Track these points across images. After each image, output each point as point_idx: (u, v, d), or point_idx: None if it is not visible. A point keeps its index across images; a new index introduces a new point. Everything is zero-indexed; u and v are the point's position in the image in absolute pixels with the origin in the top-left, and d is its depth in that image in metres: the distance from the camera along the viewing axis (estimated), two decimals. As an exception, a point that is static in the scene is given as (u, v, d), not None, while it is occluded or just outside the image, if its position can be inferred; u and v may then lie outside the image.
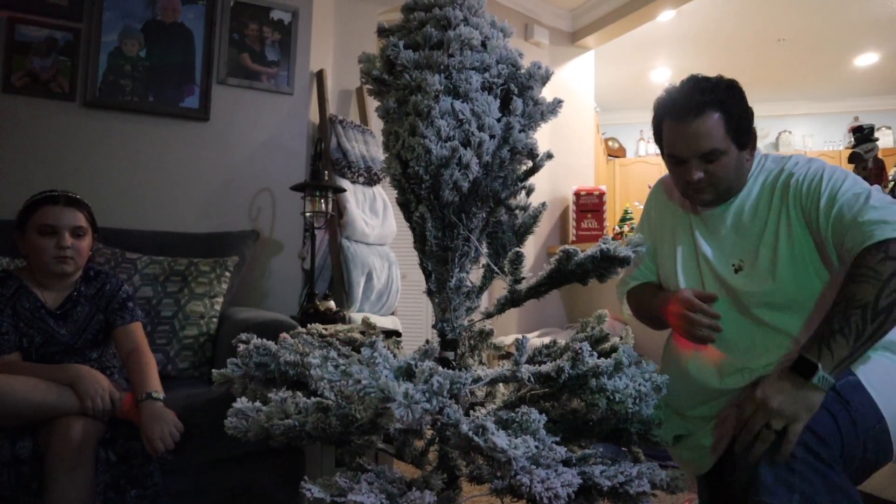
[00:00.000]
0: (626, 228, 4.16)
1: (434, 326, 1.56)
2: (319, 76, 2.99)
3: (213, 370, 1.52)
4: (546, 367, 1.35)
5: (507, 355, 2.25)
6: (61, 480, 1.45)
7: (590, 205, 4.20)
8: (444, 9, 1.62)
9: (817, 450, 1.13)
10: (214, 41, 2.81)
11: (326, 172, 2.66)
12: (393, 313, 2.91)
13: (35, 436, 1.52)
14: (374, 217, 2.84)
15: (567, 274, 1.50)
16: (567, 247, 1.46)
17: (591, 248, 1.48)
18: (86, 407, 1.53)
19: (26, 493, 1.49)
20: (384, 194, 2.97)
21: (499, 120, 1.58)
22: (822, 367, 1.15)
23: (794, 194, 1.36)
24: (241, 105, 2.83)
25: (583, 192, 4.24)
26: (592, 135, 4.88)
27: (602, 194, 4.22)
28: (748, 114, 1.40)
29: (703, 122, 1.36)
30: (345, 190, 2.66)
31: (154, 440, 1.51)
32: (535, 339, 3.07)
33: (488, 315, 1.60)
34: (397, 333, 2.17)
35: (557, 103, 1.70)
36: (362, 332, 1.67)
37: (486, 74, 1.61)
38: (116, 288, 1.81)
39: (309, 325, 1.80)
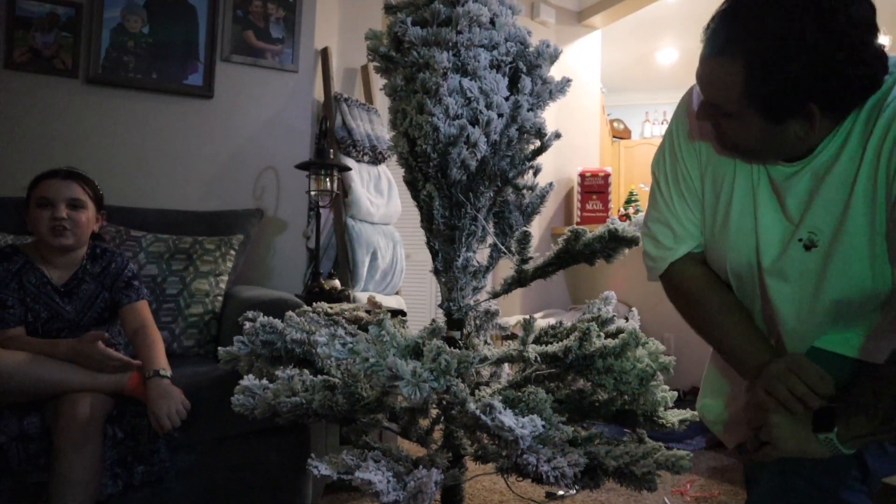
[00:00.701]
0: (630, 210, 4.14)
1: (440, 306, 1.56)
2: (324, 54, 2.96)
3: (220, 348, 1.52)
4: (553, 348, 1.35)
5: (512, 336, 2.25)
6: (69, 456, 1.45)
7: (595, 186, 4.18)
8: (453, -16, 1.60)
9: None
10: (218, 17, 2.78)
11: (332, 151, 2.65)
12: (397, 293, 2.91)
13: (43, 412, 1.53)
14: (379, 196, 2.83)
15: (575, 254, 1.50)
16: (575, 227, 1.46)
17: (599, 229, 1.47)
18: (99, 371, 1.54)
19: (35, 468, 1.50)
20: (389, 173, 2.96)
21: (507, 98, 1.56)
22: (837, 431, 0.98)
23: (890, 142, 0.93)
24: (245, 82, 2.81)
25: (588, 174, 4.22)
26: (598, 116, 4.84)
27: (607, 175, 4.19)
28: (813, 79, 0.89)
29: (713, 66, 0.97)
30: (350, 168, 2.64)
31: (161, 417, 1.51)
32: (541, 320, 3.07)
33: (494, 295, 1.60)
34: (402, 313, 2.16)
35: (566, 82, 1.68)
36: (368, 311, 1.67)
37: (495, 52, 1.59)
38: (122, 266, 1.80)
39: (314, 304, 1.80)
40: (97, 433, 1.51)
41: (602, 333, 1.35)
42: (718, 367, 1.28)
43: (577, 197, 4.27)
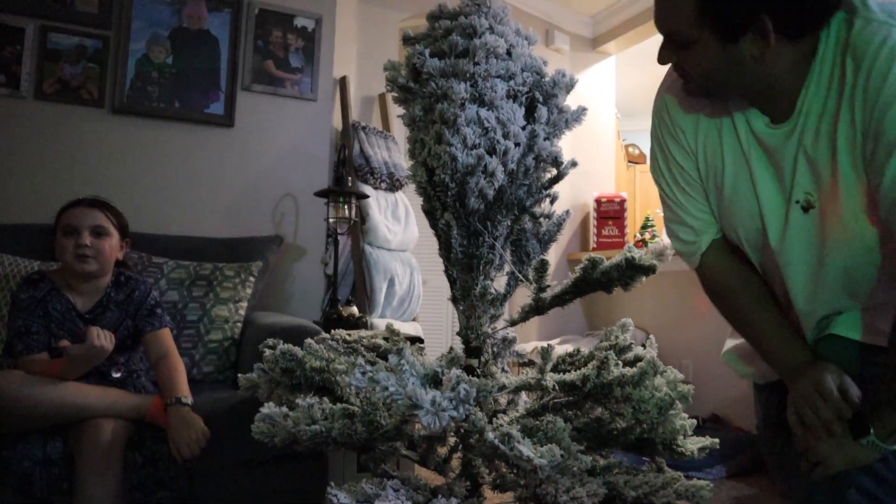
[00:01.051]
0: (647, 236, 4.13)
1: (458, 333, 1.57)
2: (342, 82, 3.01)
3: (240, 375, 1.53)
4: (571, 376, 1.36)
5: (529, 363, 2.25)
6: (91, 481, 1.47)
7: (611, 212, 4.18)
8: (470, 17, 1.63)
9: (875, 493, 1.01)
10: (239, 48, 2.85)
11: (350, 178, 2.68)
12: (414, 319, 2.92)
13: (66, 437, 1.55)
14: (397, 223, 2.85)
15: (592, 282, 1.50)
16: (592, 255, 1.47)
17: (616, 257, 1.48)
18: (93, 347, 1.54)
19: (58, 492, 1.52)
20: (406, 200, 2.99)
21: (524, 128, 1.59)
22: (874, 432, 0.99)
23: (862, 91, 0.92)
24: (265, 111, 2.86)
25: (604, 199, 4.23)
26: (613, 141, 4.87)
27: (623, 201, 4.20)
28: None
29: None
30: (368, 196, 2.67)
31: (181, 445, 1.52)
32: (558, 347, 3.07)
33: (512, 323, 1.60)
34: (420, 340, 2.17)
35: (582, 111, 1.70)
36: (386, 339, 1.68)
37: (512, 82, 1.62)
38: (145, 294, 1.83)
39: (333, 331, 1.81)
40: (119, 459, 1.53)
41: (620, 361, 1.35)
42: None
43: (592, 223, 4.28)
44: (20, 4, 2.54)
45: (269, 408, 1.27)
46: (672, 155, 1.20)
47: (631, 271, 1.47)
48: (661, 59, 1.07)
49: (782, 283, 1.14)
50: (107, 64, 2.65)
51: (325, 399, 1.31)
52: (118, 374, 1.71)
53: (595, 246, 4.21)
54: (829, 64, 0.96)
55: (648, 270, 1.47)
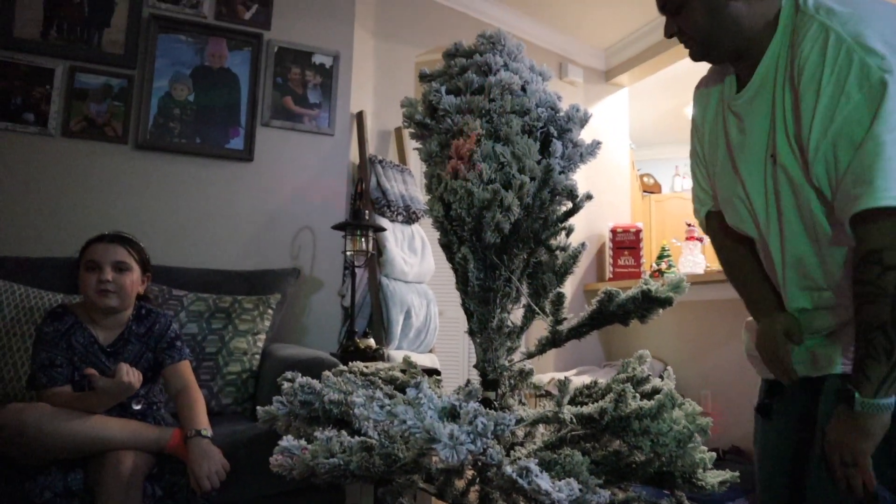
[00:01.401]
0: (663, 265, 4.12)
1: (475, 366, 1.57)
2: (359, 117, 3.07)
3: (258, 407, 1.55)
4: (588, 409, 1.35)
5: (546, 394, 2.25)
6: (110, 514, 1.48)
7: (626, 242, 4.19)
8: (485, 55, 1.67)
9: None
10: (259, 85, 2.92)
11: (367, 211, 2.72)
12: (431, 351, 2.92)
13: (87, 469, 1.57)
14: (413, 255, 2.88)
15: (608, 315, 1.51)
16: (609, 288, 1.47)
17: (632, 289, 1.48)
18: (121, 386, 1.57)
19: (77, 525, 1.53)
20: (423, 233, 3.02)
21: (539, 162, 1.61)
22: (862, 392, 1.05)
23: (798, 67, 1.05)
24: (283, 146, 2.92)
25: (619, 230, 4.23)
26: (628, 171, 4.89)
27: (639, 231, 4.20)
28: None
29: None
30: (384, 229, 2.71)
31: (201, 478, 1.53)
32: (575, 379, 3.05)
33: (529, 355, 1.61)
34: (437, 372, 2.18)
35: (596, 145, 1.72)
36: (403, 371, 1.69)
37: (527, 118, 1.64)
38: (165, 327, 1.86)
39: (350, 364, 1.82)
40: (138, 491, 1.54)
41: (637, 394, 1.35)
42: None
43: (608, 253, 4.28)
44: (51, 47, 2.63)
45: (287, 440, 1.28)
46: (693, 129, 1.38)
47: (648, 303, 1.47)
48: (667, 32, 1.20)
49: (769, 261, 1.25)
50: (131, 102, 2.73)
51: (344, 432, 1.32)
52: (138, 407, 1.73)
53: (611, 276, 4.21)
54: (782, 33, 1.10)
55: (665, 303, 1.47)
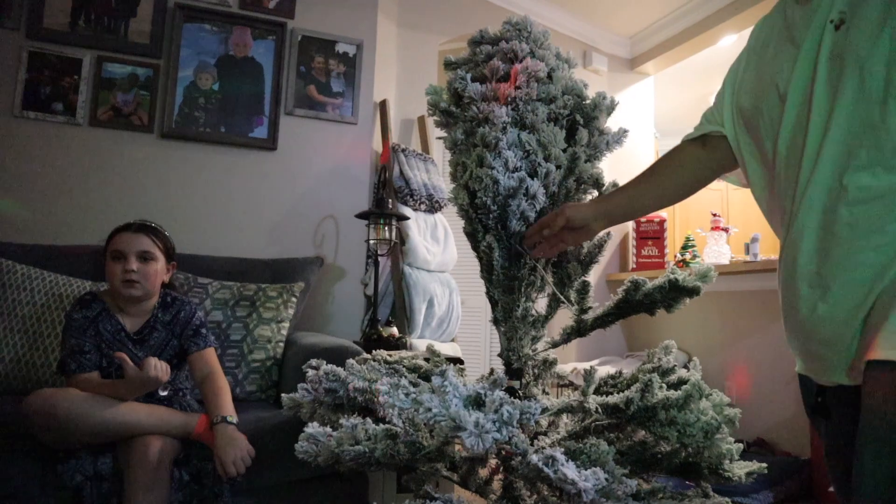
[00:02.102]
0: (688, 256, 4.08)
1: (499, 355, 1.57)
2: (382, 106, 3.06)
3: (283, 395, 1.56)
4: (614, 399, 1.34)
5: (568, 384, 2.23)
6: (139, 497, 1.50)
7: (650, 232, 4.15)
8: (511, 42, 1.66)
9: None
10: (283, 74, 2.92)
11: (390, 200, 2.72)
12: (453, 340, 2.92)
13: (115, 453, 1.59)
14: (436, 244, 2.87)
15: (634, 304, 1.49)
16: (635, 277, 1.46)
17: (659, 279, 1.47)
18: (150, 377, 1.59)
19: (107, 508, 1.56)
20: (445, 221, 3.01)
21: (564, 150, 1.59)
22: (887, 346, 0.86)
23: None
24: (307, 134, 2.92)
25: (643, 220, 4.19)
26: (652, 161, 4.84)
27: (663, 221, 4.16)
28: None
29: None
30: (408, 217, 2.70)
31: (227, 464, 1.55)
32: (599, 368, 3.03)
33: (554, 345, 1.60)
34: (460, 361, 2.18)
35: (623, 133, 1.71)
36: (427, 360, 1.69)
37: (552, 105, 1.63)
38: (190, 315, 1.87)
39: (374, 352, 1.83)
40: (166, 475, 1.56)
41: (664, 384, 1.33)
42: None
43: (632, 243, 4.24)
44: (79, 37, 2.66)
45: (312, 427, 1.29)
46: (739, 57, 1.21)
47: (674, 293, 1.46)
48: None
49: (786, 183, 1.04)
50: (157, 91, 2.75)
51: (369, 420, 1.32)
52: (164, 393, 1.75)
53: (634, 266, 4.17)
54: None
55: (692, 292, 1.46)
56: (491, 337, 3.99)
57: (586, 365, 3.36)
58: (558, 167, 1.56)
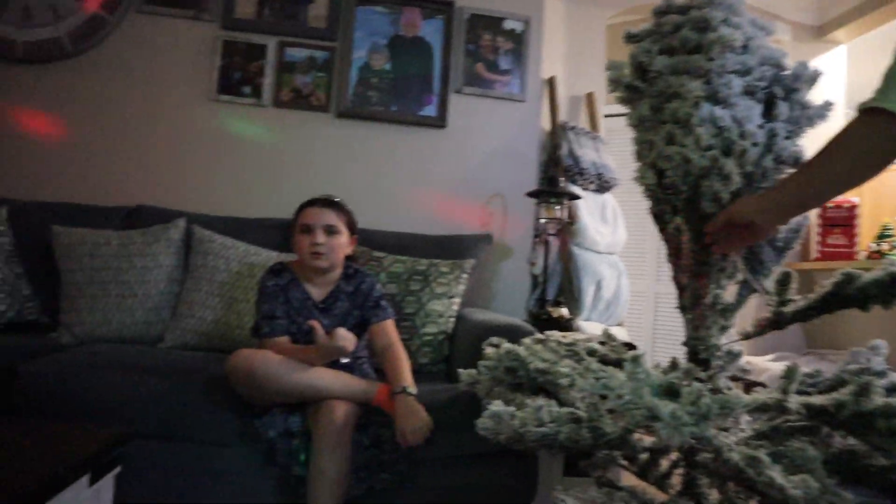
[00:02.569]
0: (884, 246, 3.66)
1: (685, 343, 1.49)
2: (550, 83, 3.01)
3: (460, 370, 1.58)
4: (820, 400, 1.23)
5: (754, 383, 2.09)
6: (325, 455, 1.60)
7: (838, 219, 3.77)
8: (703, 10, 1.55)
9: None
10: (452, 53, 2.95)
11: (561, 179, 2.67)
12: (620, 324, 2.84)
13: (304, 413, 1.70)
14: (605, 225, 2.79)
15: (845, 298, 1.35)
16: (849, 270, 1.32)
17: (876, 271, 1.32)
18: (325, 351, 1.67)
19: (296, 463, 1.68)
20: (614, 202, 2.92)
21: (762, 126, 1.47)
22: None
23: None
24: (475, 112, 2.94)
25: (830, 205, 3.82)
26: (839, 139, 4.38)
27: (854, 207, 3.76)
28: None
29: None
30: (580, 197, 2.65)
31: (407, 433, 1.61)
32: (773, 365, 2.82)
33: (746, 336, 1.50)
34: (633, 346, 2.10)
35: (828, 106, 1.56)
36: (602, 343, 1.64)
37: (748, 77, 1.51)
38: (371, 287, 1.96)
39: (546, 332, 1.81)
40: (349, 438, 1.65)
41: (882, 389, 1.20)
42: None
43: (815, 230, 3.88)
44: (264, 24, 2.84)
45: (497, 405, 1.29)
46: None
47: (895, 288, 1.30)
48: None
49: None
50: (333, 72, 2.88)
51: (553, 402, 1.31)
52: (346, 360, 1.84)
53: (818, 256, 3.82)
54: None
55: (917, 287, 1.29)
56: (654, 323, 3.84)
57: (760, 360, 3.14)
58: (755, 145, 1.44)
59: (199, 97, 2.80)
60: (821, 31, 4.25)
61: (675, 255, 1.46)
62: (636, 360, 1.14)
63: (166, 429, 1.75)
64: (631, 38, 1.69)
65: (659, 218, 1.51)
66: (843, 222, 3.74)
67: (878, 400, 1.14)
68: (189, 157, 2.79)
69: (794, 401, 1.24)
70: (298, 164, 2.81)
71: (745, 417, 1.63)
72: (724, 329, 1.51)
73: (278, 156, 2.81)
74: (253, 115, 2.82)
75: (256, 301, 1.90)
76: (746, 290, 1.55)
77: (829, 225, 3.79)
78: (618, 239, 2.83)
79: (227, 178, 2.79)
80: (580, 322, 2.50)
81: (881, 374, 1.40)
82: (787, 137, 1.50)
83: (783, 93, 1.53)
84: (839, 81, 4.33)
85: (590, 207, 2.75)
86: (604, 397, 1.20)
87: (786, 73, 1.54)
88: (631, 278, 3.25)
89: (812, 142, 1.61)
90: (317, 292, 1.91)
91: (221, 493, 1.73)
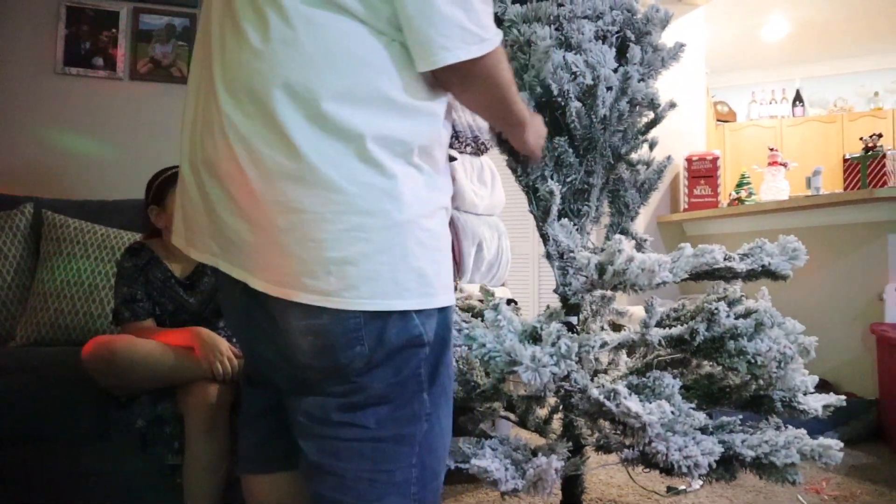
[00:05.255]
0: (743, 194, 3.91)
1: (555, 290, 1.50)
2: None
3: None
4: (677, 330, 1.28)
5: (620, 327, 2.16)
6: (199, 440, 1.51)
7: (703, 171, 3.98)
8: (552, -44, 1.55)
9: None
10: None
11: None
12: (503, 285, 2.87)
13: (175, 398, 1.60)
14: (483, 187, 2.80)
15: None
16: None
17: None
18: (204, 369, 1.58)
19: (170, 451, 1.59)
20: (492, 164, 2.92)
21: (615, 70, 1.50)
22: None
23: None
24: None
25: (695, 158, 4.03)
26: (703, 99, 4.62)
27: (716, 159, 3.99)
28: None
29: None
30: (455, 159, 2.63)
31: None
32: (637, 309, 2.94)
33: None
34: (513, 301, 2.12)
35: (679, 47, 1.61)
36: (480, 300, 1.64)
37: (600, 22, 1.53)
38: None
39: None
40: (225, 420, 1.57)
41: (732, 313, 1.26)
42: None
43: (683, 183, 4.09)
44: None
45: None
46: None
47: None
48: None
49: None
50: (194, 41, 2.71)
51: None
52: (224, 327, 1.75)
53: (687, 206, 4.03)
54: None
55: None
56: (539, 283, 3.93)
57: (638, 308, 3.27)
58: (609, 88, 1.47)
59: (43, 70, 2.56)
60: (681, -6, 4.43)
61: (537, 205, 1.47)
62: (496, 307, 1.13)
63: (25, 432, 1.63)
64: (488, -10, 1.68)
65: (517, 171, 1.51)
66: (707, 174, 3.95)
67: (727, 322, 1.20)
68: (35, 137, 2.55)
69: (655, 334, 1.28)
70: (160, 141, 2.63)
71: (625, 358, 1.69)
72: (591, 273, 1.54)
73: (138, 132, 2.62)
74: (107, 88, 2.61)
75: (115, 285, 1.77)
76: (612, 233, 1.59)
77: (695, 177, 4.00)
78: (496, 201, 2.85)
79: (80, 159, 2.57)
80: (463, 284, 2.50)
81: (736, 302, 1.47)
82: (641, 80, 1.53)
83: (635, 36, 1.56)
84: (698, 43, 4.54)
85: (466, 170, 2.74)
86: (470, 349, 1.19)
87: (637, 16, 1.57)
88: (514, 240, 3.30)
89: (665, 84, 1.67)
90: (180, 269, 1.80)
91: (95, 491, 1.63)
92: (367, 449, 0.83)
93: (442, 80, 0.86)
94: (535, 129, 1.19)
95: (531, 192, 1.48)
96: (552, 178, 1.40)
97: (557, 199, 1.39)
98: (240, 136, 0.81)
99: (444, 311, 0.87)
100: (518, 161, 1.46)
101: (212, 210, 0.85)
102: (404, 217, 0.80)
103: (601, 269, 1.20)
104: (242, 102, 0.81)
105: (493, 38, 0.83)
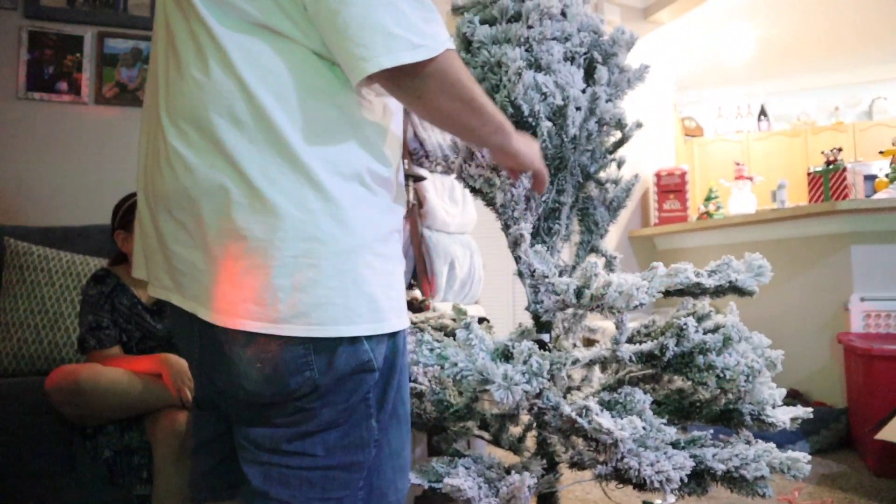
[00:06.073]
0: (711, 208, 3.98)
1: (527, 308, 1.51)
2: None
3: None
4: (648, 346, 1.29)
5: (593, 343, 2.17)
6: (169, 469, 1.48)
7: (672, 185, 4.05)
8: (520, -21, 1.57)
9: None
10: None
11: (406, 162, 2.65)
12: (476, 302, 2.87)
13: (143, 427, 1.57)
14: (454, 205, 2.81)
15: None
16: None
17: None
18: (173, 396, 1.55)
19: (138, 481, 1.56)
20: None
21: (584, 91, 1.52)
22: None
23: None
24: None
25: (664, 173, 4.09)
26: (671, 114, 4.71)
27: (684, 174, 4.05)
28: None
29: None
30: (425, 178, 2.64)
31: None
32: (608, 324, 2.96)
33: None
34: (486, 320, 2.12)
35: (644, 69, 1.63)
36: (453, 319, 1.64)
37: (568, 44, 1.55)
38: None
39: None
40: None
41: (700, 329, 1.27)
42: None
43: (653, 197, 4.15)
44: (78, 13, 2.63)
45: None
46: None
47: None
48: None
49: None
50: (161, 65, 2.69)
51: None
52: None
53: (657, 221, 4.08)
54: None
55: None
56: (514, 300, 3.94)
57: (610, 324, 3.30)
58: (578, 109, 1.49)
59: (4, 96, 2.52)
60: (647, 13, 4.52)
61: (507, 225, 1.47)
62: (467, 326, 1.13)
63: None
64: (456, 10, 1.69)
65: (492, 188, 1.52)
66: (676, 188, 4.01)
67: (696, 338, 1.21)
68: (-4, 164, 2.50)
69: (626, 350, 1.28)
70: (127, 165, 2.59)
71: (598, 374, 1.70)
72: (562, 291, 1.54)
73: (103, 157, 2.58)
74: (71, 113, 2.58)
75: (80, 313, 1.73)
76: (583, 251, 1.60)
77: (664, 191, 4.05)
78: (468, 218, 2.86)
79: (45, 185, 2.53)
80: (436, 303, 2.50)
81: (706, 317, 1.48)
82: (609, 100, 1.56)
83: (602, 58, 1.58)
84: (665, 60, 4.63)
85: (437, 189, 2.75)
86: (443, 368, 1.18)
87: (604, 38, 1.60)
88: (488, 257, 3.30)
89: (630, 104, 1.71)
90: (146, 295, 1.77)
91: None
92: (317, 477, 0.82)
93: (390, 92, 0.85)
94: (525, 138, 1.13)
95: (504, 227, 1.49)
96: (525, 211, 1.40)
97: (528, 239, 1.41)
98: (186, 167, 0.80)
99: (394, 336, 0.86)
100: (512, 197, 1.42)
101: (164, 245, 0.85)
102: (355, 242, 0.79)
103: (579, 293, 1.20)
104: (186, 132, 0.80)
105: (429, 44, 0.79)
